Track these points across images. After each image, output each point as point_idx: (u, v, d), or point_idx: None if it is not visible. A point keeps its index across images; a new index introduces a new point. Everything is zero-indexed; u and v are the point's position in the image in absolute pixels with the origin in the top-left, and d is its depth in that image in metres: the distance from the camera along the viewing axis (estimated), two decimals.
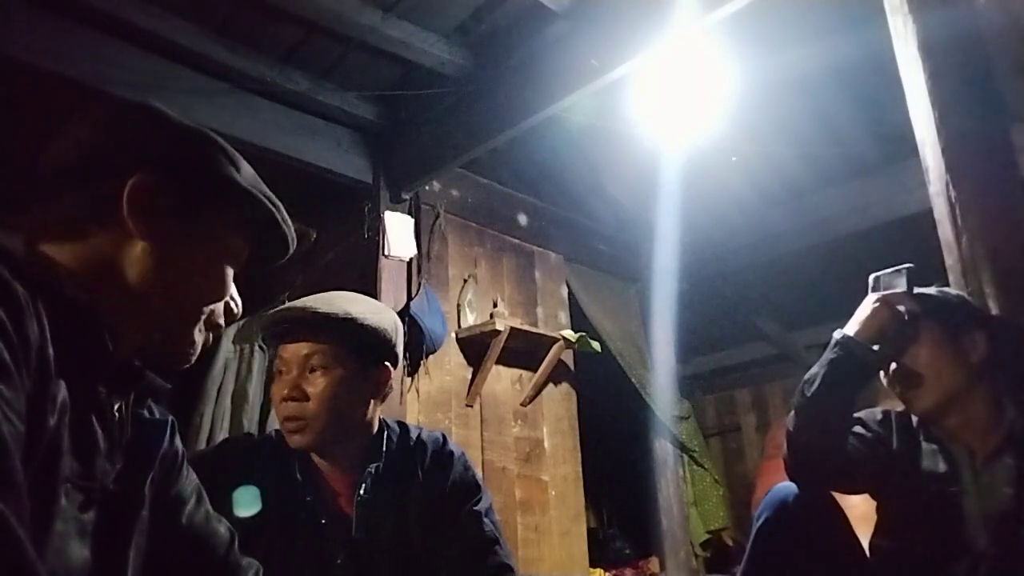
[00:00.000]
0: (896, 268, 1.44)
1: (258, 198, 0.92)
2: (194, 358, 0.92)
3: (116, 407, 0.85)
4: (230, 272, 0.92)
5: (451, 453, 1.53)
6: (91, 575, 0.77)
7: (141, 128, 0.87)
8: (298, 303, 1.46)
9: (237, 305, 0.96)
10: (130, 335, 0.84)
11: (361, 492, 1.42)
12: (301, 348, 1.41)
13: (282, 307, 1.48)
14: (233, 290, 0.94)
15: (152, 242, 0.83)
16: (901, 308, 1.39)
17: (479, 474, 1.59)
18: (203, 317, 0.89)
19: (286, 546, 1.35)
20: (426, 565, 1.44)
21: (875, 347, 1.38)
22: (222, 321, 0.93)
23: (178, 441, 1.03)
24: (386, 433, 1.50)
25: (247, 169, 0.93)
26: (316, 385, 1.39)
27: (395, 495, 1.45)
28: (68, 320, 0.76)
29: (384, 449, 1.47)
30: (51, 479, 0.71)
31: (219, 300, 0.91)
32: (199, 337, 0.90)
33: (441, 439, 1.56)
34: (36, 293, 0.72)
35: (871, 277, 1.47)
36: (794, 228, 3.71)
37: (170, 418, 1.01)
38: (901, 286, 1.42)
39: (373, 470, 1.44)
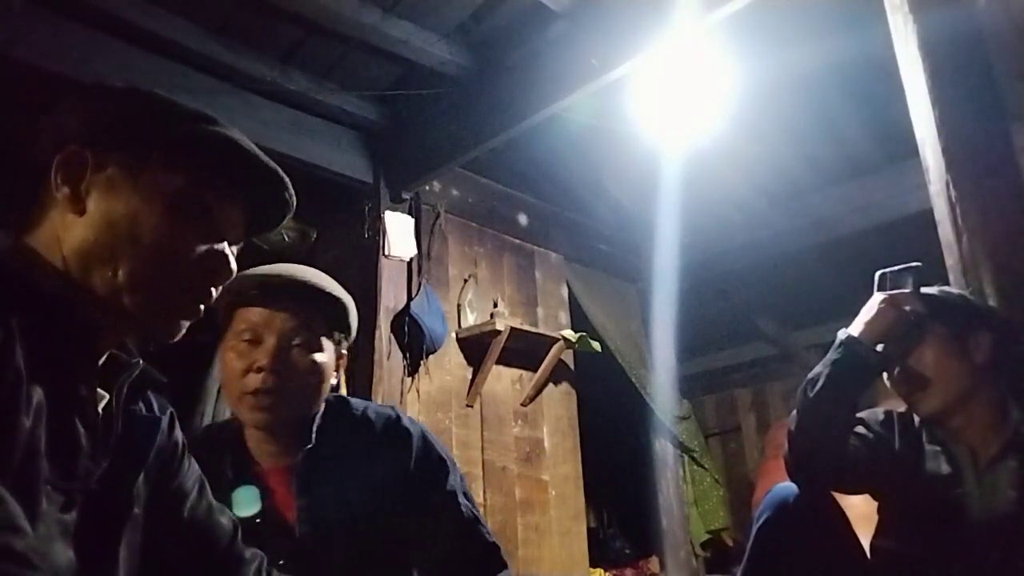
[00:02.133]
0: (903, 266, 1.43)
1: (196, 131, 0.85)
2: (180, 331, 0.87)
3: (102, 405, 0.82)
4: (196, 226, 0.85)
5: (407, 430, 1.40)
6: None
7: (72, 103, 0.86)
8: (282, 269, 1.34)
9: (227, 263, 0.88)
10: (111, 319, 0.81)
11: (299, 481, 1.30)
12: (286, 319, 1.29)
13: (262, 269, 1.34)
14: (221, 246, 0.88)
15: (95, 211, 0.80)
16: (907, 308, 1.37)
17: (444, 447, 1.45)
18: (179, 280, 0.83)
19: None
20: (388, 553, 1.32)
21: (879, 347, 1.37)
22: (210, 283, 0.87)
23: (178, 433, 1.00)
24: (320, 412, 1.37)
25: (188, 111, 0.87)
26: (300, 364, 1.29)
27: (340, 480, 1.32)
28: (45, 319, 0.74)
29: (315, 432, 1.34)
30: (31, 482, 0.70)
31: (185, 254, 0.83)
32: (184, 303, 0.85)
33: (394, 415, 1.43)
34: (7, 291, 0.71)
35: (877, 274, 1.45)
36: (794, 228, 3.71)
37: (170, 410, 0.98)
38: (908, 285, 1.40)
39: (306, 453, 1.32)
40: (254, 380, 1.28)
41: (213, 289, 0.87)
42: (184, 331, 0.88)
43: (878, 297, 1.40)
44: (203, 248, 0.85)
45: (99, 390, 0.82)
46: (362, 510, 1.32)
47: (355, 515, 1.31)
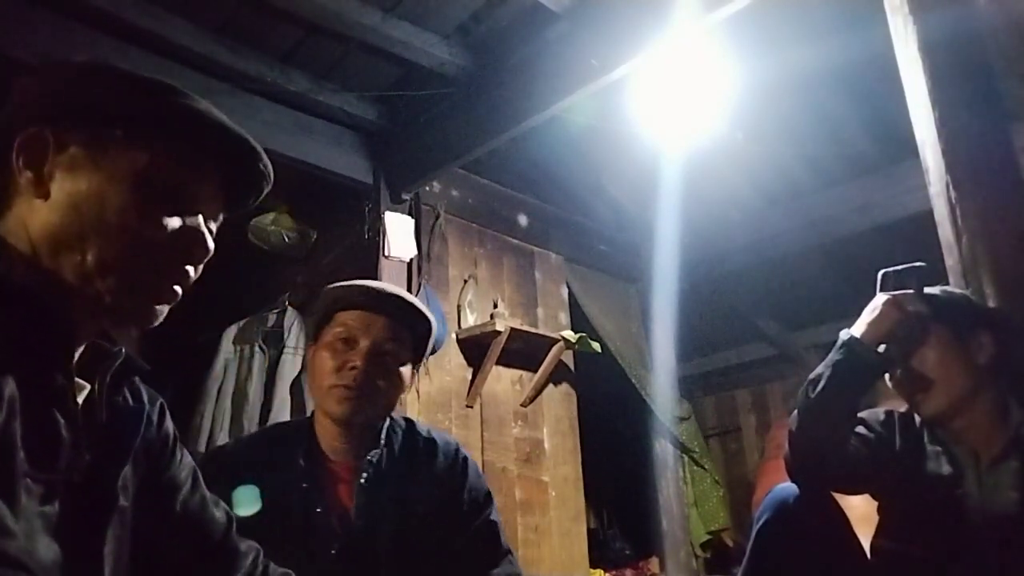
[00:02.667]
0: (907, 266, 1.41)
1: (161, 104, 0.81)
2: (158, 315, 0.83)
3: (84, 395, 0.80)
4: (165, 204, 0.81)
5: (465, 459, 1.55)
6: (65, 570, 0.73)
7: (30, 83, 0.82)
8: (384, 284, 1.51)
9: (202, 240, 0.84)
10: (84, 305, 0.78)
11: (362, 480, 1.42)
12: (383, 327, 1.43)
13: (366, 281, 1.50)
14: (195, 222, 0.84)
15: (59, 194, 0.77)
16: (911, 309, 1.36)
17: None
18: (151, 261, 0.80)
19: (277, 533, 1.29)
20: (427, 562, 1.42)
21: (882, 348, 1.36)
22: (184, 262, 0.83)
23: (169, 424, 0.98)
24: (388, 424, 1.51)
25: (151, 84, 0.83)
26: (387, 370, 1.43)
27: (399, 489, 1.44)
28: (15, 308, 0.72)
29: (384, 439, 1.47)
30: (8, 476, 0.68)
31: (155, 234, 0.80)
32: (159, 285, 0.82)
33: (454, 444, 1.57)
34: None
35: (880, 273, 1.43)
36: (794, 228, 3.71)
37: (159, 401, 0.96)
38: (911, 285, 1.38)
39: (374, 459, 1.44)
40: (346, 376, 1.40)
41: (190, 268, 0.84)
42: (163, 316, 0.84)
43: (881, 298, 1.39)
44: (175, 226, 0.81)
45: (80, 380, 0.80)
46: (413, 519, 1.43)
47: (406, 522, 1.42)
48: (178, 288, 0.83)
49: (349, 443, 1.45)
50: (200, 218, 0.85)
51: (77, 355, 0.81)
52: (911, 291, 1.38)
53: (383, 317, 1.44)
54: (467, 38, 2.68)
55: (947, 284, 1.50)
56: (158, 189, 0.80)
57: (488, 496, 1.55)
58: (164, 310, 0.83)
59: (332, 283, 1.52)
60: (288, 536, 1.33)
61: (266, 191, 0.93)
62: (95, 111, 0.80)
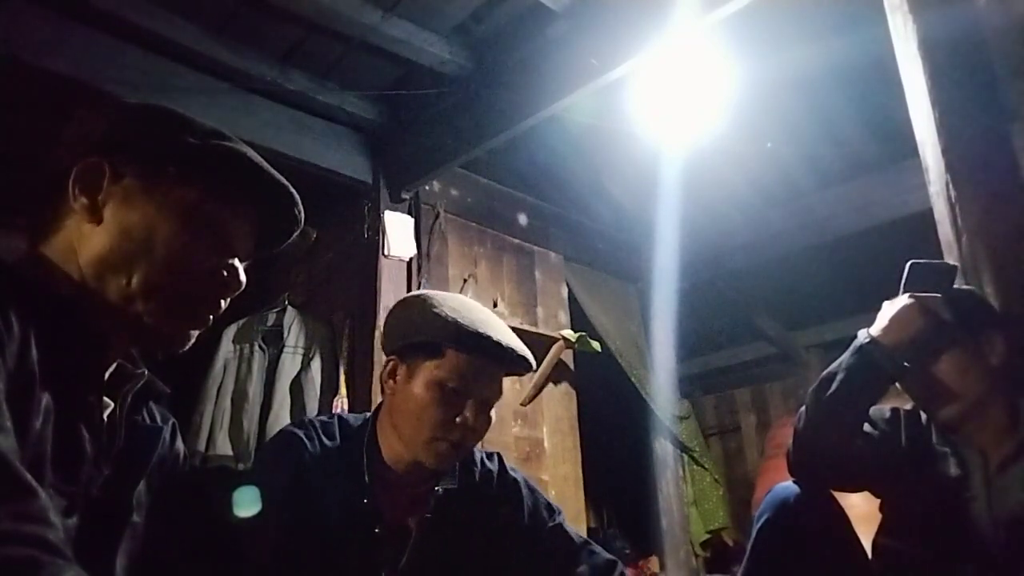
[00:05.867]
0: (938, 263, 1.36)
1: (212, 146, 0.88)
2: (189, 340, 0.89)
3: (108, 412, 0.84)
4: (209, 238, 0.87)
5: (515, 480, 1.50)
6: None
7: (90, 116, 0.88)
8: (510, 340, 1.38)
9: (236, 275, 0.91)
10: (122, 326, 0.83)
11: (427, 515, 1.36)
12: (500, 381, 1.39)
13: (490, 329, 1.35)
14: (231, 261, 0.90)
15: (111, 221, 0.82)
16: (937, 317, 1.30)
17: (540, 489, 1.55)
18: (191, 289, 0.86)
19: (330, 545, 1.27)
20: None
21: (900, 352, 1.32)
22: (220, 295, 0.89)
23: (180, 444, 1.02)
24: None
25: (203, 127, 0.89)
26: (489, 416, 1.39)
27: (459, 521, 1.39)
28: (58, 325, 0.75)
29: (457, 472, 1.43)
30: (40, 485, 0.69)
31: (197, 265, 0.86)
32: (195, 313, 0.87)
33: (498, 464, 1.52)
34: (24, 298, 0.72)
35: (909, 264, 1.35)
36: (794, 228, 3.71)
37: (171, 421, 0.99)
38: (940, 287, 1.32)
39: (441, 492, 1.38)
40: (454, 431, 1.32)
41: (222, 300, 0.90)
42: (192, 341, 0.90)
43: (906, 300, 1.33)
44: (215, 260, 0.88)
45: (104, 398, 0.84)
46: (472, 551, 1.39)
47: (464, 554, 1.38)
48: (211, 317, 0.89)
49: (426, 476, 1.39)
50: (236, 256, 0.90)
51: (107, 375, 0.85)
52: (938, 295, 1.32)
53: (501, 370, 1.38)
54: (467, 37, 2.68)
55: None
56: (203, 224, 0.86)
57: (549, 507, 1.49)
58: (195, 336, 0.89)
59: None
60: (340, 552, 1.27)
61: (295, 236, 1.00)
62: (151, 148, 0.86)
